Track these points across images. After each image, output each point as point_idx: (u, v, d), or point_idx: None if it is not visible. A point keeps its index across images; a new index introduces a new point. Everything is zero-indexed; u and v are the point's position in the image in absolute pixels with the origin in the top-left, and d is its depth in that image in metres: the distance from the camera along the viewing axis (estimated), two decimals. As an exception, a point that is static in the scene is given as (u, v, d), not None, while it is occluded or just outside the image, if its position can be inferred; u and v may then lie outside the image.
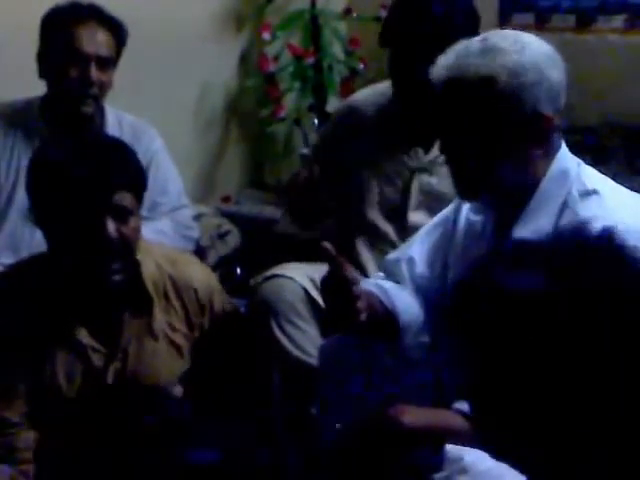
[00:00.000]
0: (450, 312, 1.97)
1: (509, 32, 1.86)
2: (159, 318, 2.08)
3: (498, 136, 1.79)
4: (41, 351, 2.02)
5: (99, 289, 2.01)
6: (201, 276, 2.18)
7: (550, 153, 1.84)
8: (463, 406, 1.84)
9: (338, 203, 2.69)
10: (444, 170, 2.17)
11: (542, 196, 1.82)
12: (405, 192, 2.55)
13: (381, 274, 2.15)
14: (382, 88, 2.61)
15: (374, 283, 2.06)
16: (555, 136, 1.84)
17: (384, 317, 1.98)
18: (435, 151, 2.49)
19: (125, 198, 1.96)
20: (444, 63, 1.82)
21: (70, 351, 2.03)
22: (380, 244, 2.55)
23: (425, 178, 2.53)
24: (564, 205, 1.81)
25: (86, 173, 1.92)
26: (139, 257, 2.06)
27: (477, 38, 1.84)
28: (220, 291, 2.21)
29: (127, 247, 1.98)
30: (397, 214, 2.56)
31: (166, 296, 2.10)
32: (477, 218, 1.97)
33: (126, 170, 1.99)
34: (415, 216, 2.50)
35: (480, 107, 1.78)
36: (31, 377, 2.01)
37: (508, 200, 1.86)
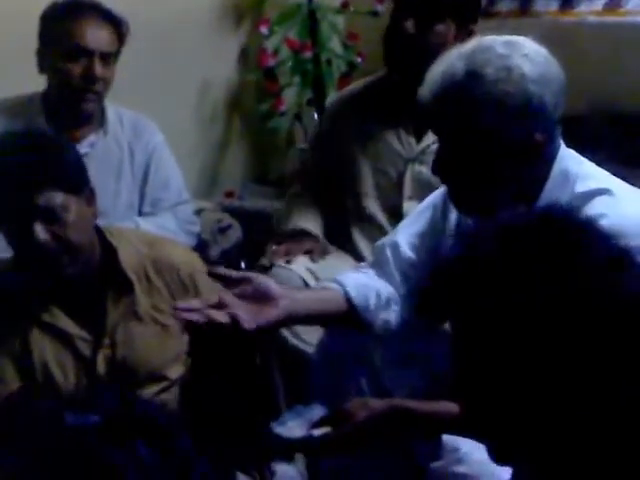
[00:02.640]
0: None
1: (498, 45, 1.74)
2: (143, 301, 2.08)
3: (487, 160, 1.76)
4: (27, 342, 2.03)
5: (56, 284, 2.01)
6: (181, 254, 2.17)
7: (552, 156, 1.80)
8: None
9: (335, 194, 2.71)
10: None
11: (546, 200, 1.78)
12: (399, 183, 2.59)
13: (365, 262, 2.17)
14: (372, 79, 2.65)
15: (337, 279, 2.02)
16: (554, 139, 1.80)
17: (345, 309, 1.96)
18: (426, 140, 2.53)
19: (53, 197, 1.91)
20: (430, 88, 1.76)
21: (59, 342, 2.04)
22: (377, 234, 2.57)
23: (417, 167, 2.57)
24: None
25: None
26: (114, 242, 2.06)
27: (463, 53, 1.76)
28: (202, 267, 2.18)
29: (67, 244, 1.94)
30: (392, 204, 2.60)
31: (148, 278, 2.09)
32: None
33: (47, 168, 1.93)
34: (410, 206, 2.51)
35: (464, 135, 1.75)
36: (21, 367, 2.03)
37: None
